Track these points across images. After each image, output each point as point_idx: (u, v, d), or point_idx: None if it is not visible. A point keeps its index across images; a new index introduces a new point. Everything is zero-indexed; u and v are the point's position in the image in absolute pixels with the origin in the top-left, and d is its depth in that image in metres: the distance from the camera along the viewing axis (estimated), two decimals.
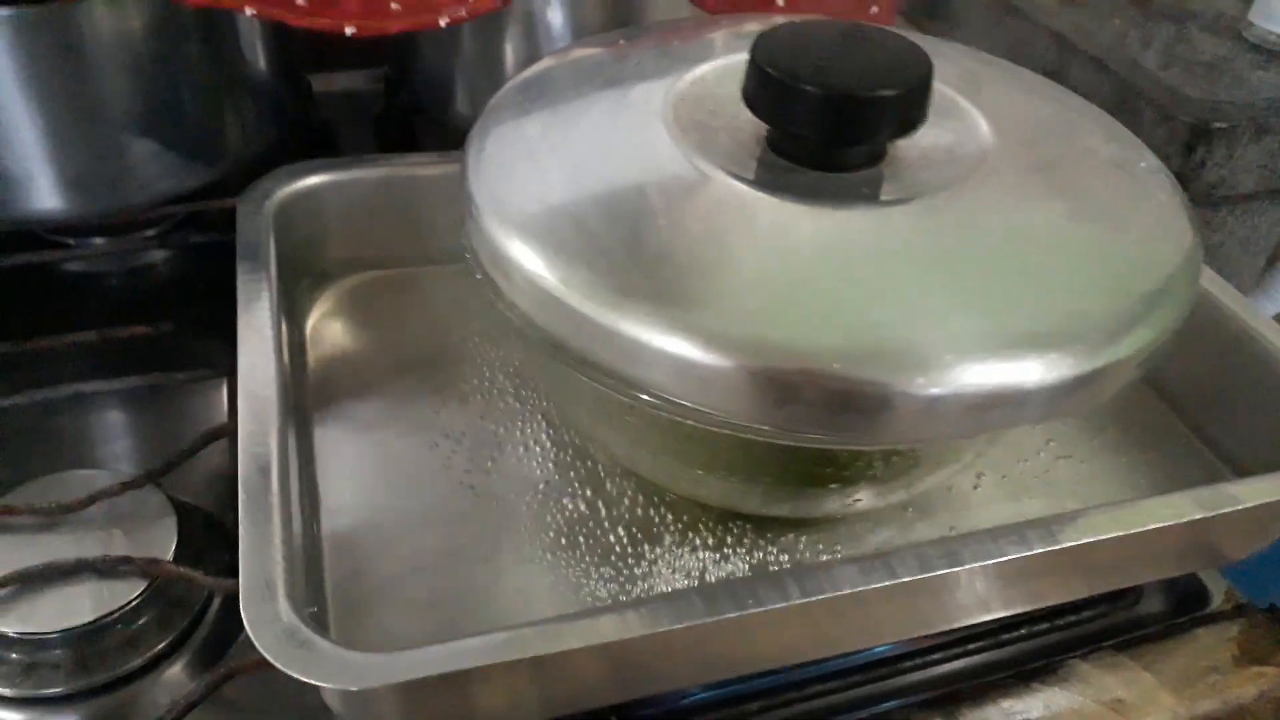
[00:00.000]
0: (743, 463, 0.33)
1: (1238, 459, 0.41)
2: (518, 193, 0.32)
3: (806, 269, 0.30)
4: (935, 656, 0.38)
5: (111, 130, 0.47)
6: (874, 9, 0.55)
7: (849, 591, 0.29)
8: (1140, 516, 0.32)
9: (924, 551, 0.30)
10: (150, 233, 0.53)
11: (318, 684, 0.26)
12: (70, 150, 0.47)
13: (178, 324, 0.46)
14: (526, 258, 0.30)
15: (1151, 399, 0.44)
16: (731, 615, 0.28)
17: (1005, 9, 0.60)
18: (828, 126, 0.31)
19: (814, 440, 0.29)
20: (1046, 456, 0.41)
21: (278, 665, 0.26)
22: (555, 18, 0.53)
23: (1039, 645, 0.38)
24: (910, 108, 0.32)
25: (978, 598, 0.33)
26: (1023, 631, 0.38)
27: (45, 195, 0.48)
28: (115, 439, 0.44)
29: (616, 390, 0.29)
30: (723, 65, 0.36)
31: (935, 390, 0.27)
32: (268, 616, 0.27)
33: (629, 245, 0.30)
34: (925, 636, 0.37)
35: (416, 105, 0.60)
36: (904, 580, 0.29)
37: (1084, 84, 0.55)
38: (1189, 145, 0.50)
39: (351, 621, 0.33)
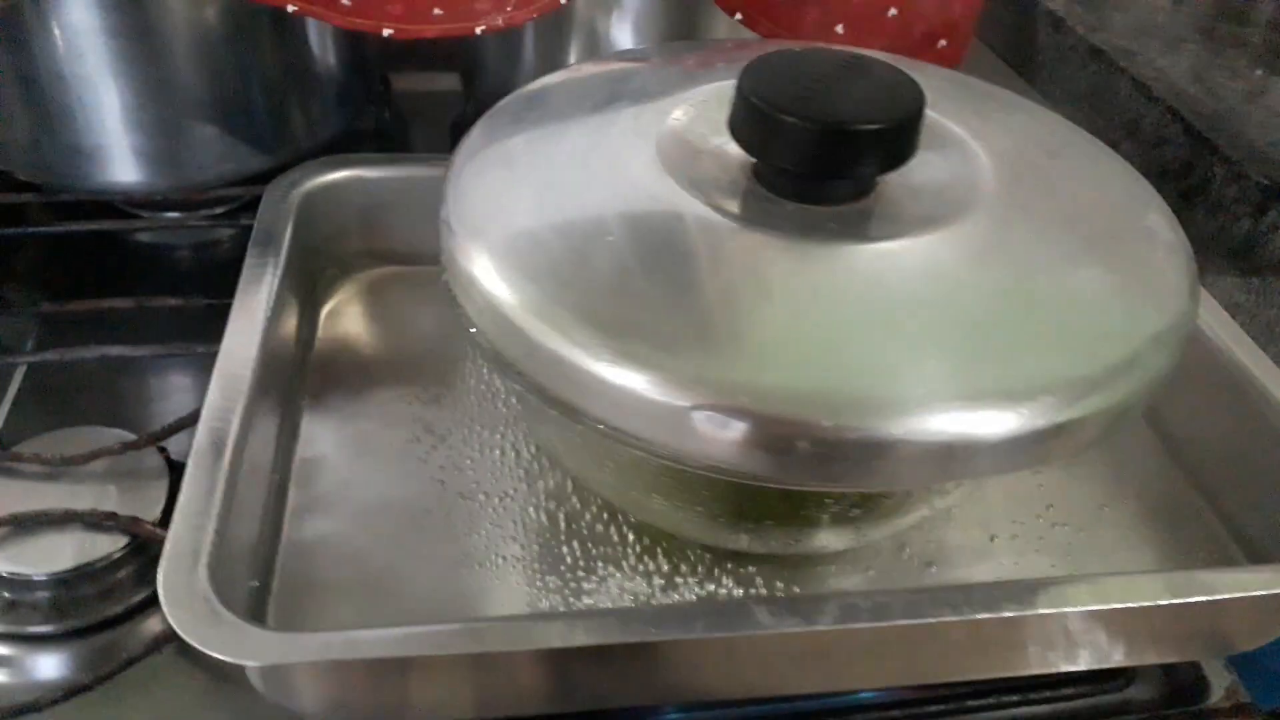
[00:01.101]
0: (683, 492, 0.33)
1: (1255, 543, 0.38)
2: (487, 203, 0.32)
3: (771, 307, 0.29)
4: (894, 714, 0.36)
5: (181, 110, 0.50)
6: (942, 43, 0.54)
7: (748, 634, 0.28)
8: (1096, 595, 0.30)
9: (849, 602, 0.29)
10: (218, 210, 0.56)
11: (216, 656, 0.27)
12: (143, 127, 0.50)
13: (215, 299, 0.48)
14: (482, 269, 0.30)
15: (1170, 469, 0.41)
16: (634, 640, 0.28)
17: (1089, 52, 0.57)
18: (807, 159, 0.31)
19: (751, 480, 0.29)
20: (1044, 522, 0.39)
21: (180, 633, 0.27)
22: (615, 27, 0.54)
23: (1007, 717, 0.37)
24: (896, 142, 0.31)
25: (910, 658, 0.31)
26: (990, 700, 0.37)
27: (120, 168, 0.51)
28: (140, 402, 0.46)
29: (560, 411, 0.29)
30: (725, 90, 0.36)
31: (879, 436, 0.26)
32: (182, 585, 0.28)
33: (586, 268, 0.29)
34: (887, 689, 0.36)
35: (483, 109, 0.61)
36: (817, 629, 0.28)
37: (1158, 135, 0.52)
38: (1261, 206, 0.46)
39: (294, 600, 0.34)
